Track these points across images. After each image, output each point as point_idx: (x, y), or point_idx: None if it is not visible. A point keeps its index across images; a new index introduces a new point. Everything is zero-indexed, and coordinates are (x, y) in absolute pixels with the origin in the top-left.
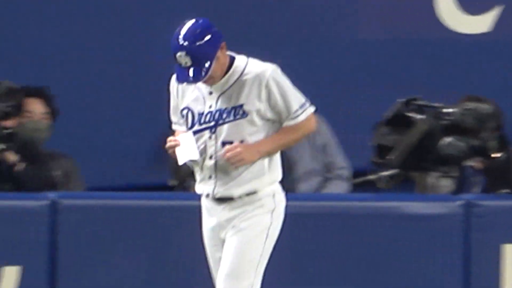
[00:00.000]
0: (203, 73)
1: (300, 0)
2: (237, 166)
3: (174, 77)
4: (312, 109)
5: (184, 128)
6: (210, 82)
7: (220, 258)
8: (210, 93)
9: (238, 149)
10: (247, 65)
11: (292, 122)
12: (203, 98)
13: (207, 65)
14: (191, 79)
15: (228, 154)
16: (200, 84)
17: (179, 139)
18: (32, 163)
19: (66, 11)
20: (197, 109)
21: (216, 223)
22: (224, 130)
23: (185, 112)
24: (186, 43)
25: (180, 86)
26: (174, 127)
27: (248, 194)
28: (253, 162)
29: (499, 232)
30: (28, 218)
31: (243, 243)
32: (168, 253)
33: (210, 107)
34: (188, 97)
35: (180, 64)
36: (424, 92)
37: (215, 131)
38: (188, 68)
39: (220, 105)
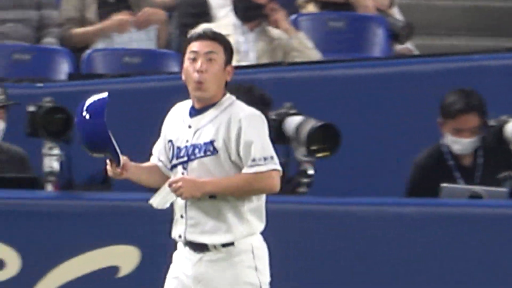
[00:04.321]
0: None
1: None
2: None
3: (174, 107)
4: (278, 167)
5: (156, 162)
6: (202, 87)
7: None
8: (189, 126)
9: (179, 183)
10: (231, 105)
11: (250, 170)
12: (184, 132)
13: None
14: None
15: (169, 183)
16: (184, 117)
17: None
18: None
19: None
20: (177, 143)
21: (187, 275)
22: (194, 167)
23: (169, 145)
24: None
25: (174, 117)
26: (151, 158)
27: (224, 245)
28: (193, 198)
29: None
30: None
31: None
32: None
33: (187, 141)
34: (174, 129)
35: None
36: None
37: (187, 168)
38: None
39: (195, 140)
